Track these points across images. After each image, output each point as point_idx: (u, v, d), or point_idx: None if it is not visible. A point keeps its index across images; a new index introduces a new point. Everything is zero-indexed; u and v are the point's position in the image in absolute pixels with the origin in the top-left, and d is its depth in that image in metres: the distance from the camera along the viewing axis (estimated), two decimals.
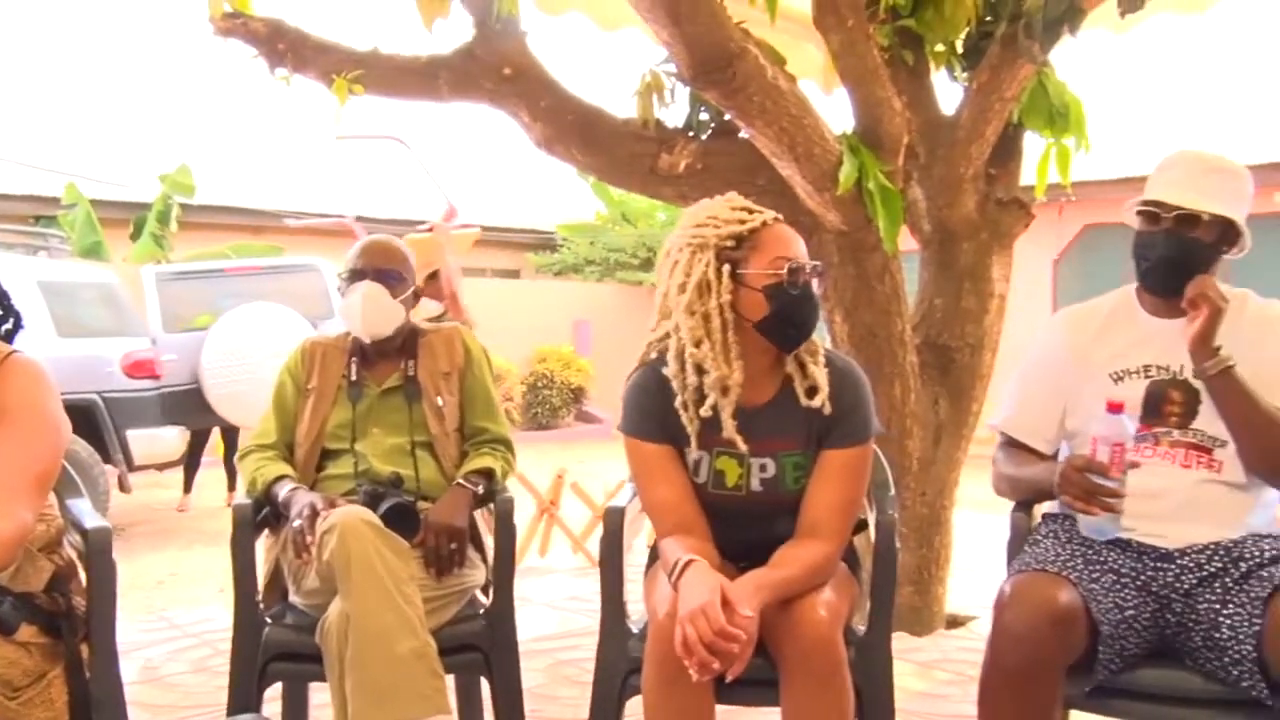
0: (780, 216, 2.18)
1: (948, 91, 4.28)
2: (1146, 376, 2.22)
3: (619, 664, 2.23)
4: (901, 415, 3.86)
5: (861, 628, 2.25)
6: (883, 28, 3.99)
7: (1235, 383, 2.08)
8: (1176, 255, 2.17)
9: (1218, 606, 1.97)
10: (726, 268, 2.09)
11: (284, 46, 3.86)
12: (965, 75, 4.17)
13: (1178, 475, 2.13)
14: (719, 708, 2.02)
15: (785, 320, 2.10)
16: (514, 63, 3.80)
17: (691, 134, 3.77)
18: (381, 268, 2.68)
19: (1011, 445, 2.36)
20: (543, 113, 3.82)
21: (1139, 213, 2.24)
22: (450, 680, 2.56)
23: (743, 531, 2.14)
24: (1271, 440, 2.08)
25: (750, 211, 2.16)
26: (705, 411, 2.11)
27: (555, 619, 4.51)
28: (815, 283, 2.15)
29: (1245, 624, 1.90)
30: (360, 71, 3.81)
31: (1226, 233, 2.20)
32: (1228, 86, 13.69)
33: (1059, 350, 2.34)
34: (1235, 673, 1.90)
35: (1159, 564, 2.05)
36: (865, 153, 3.39)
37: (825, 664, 1.95)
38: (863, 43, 3.40)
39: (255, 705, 2.42)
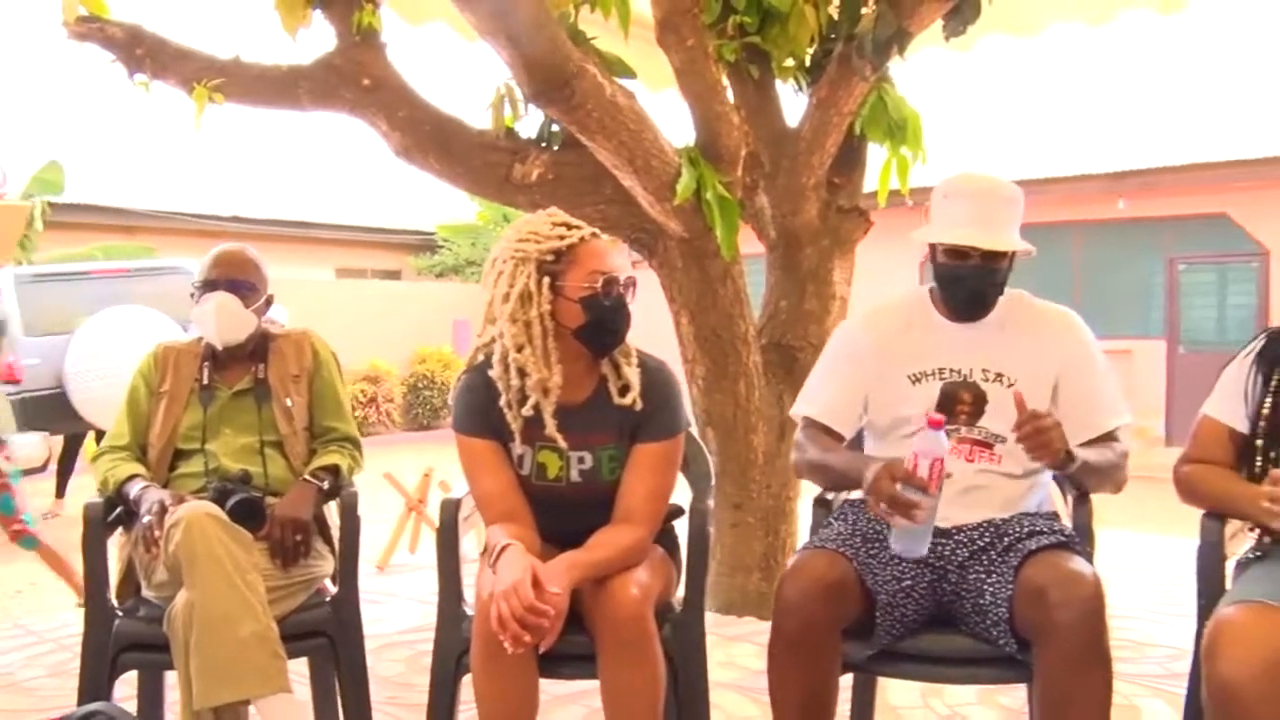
0: (598, 232, 2.35)
1: (795, 105, 4.53)
2: (941, 379, 2.40)
3: (454, 644, 2.38)
4: (746, 412, 4.09)
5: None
6: (731, 43, 4.22)
7: (1087, 465, 2.25)
8: (986, 288, 2.38)
9: (984, 576, 2.21)
10: (546, 280, 2.27)
11: (142, 52, 3.90)
12: (809, 90, 4.42)
13: (961, 466, 2.34)
14: (552, 682, 2.20)
15: (600, 328, 2.29)
16: (373, 74, 3.91)
17: (544, 145, 3.93)
18: (234, 278, 2.79)
19: (814, 429, 2.48)
20: (401, 122, 3.94)
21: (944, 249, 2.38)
22: (304, 666, 2.69)
23: (564, 519, 2.32)
24: (1112, 479, 2.33)
25: (570, 227, 2.33)
26: (528, 410, 2.29)
27: (420, 612, 4.63)
28: (630, 293, 2.32)
29: (1002, 590, 2.14)
30: (221, 80, 3.88)
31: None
32: (1067, 102, 14.41)
33: (862, 348, 2.49)
34: (994, 633, 2.14)
35: (937, 540, 2.27)
36: (704, 165, 3.60)
37: (635, 637, 2.13)
38: (702, 60, 3.60)
39: (106, 695, 2.51)
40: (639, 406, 2.31)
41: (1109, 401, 2.40)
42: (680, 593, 2.48)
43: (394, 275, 19.63)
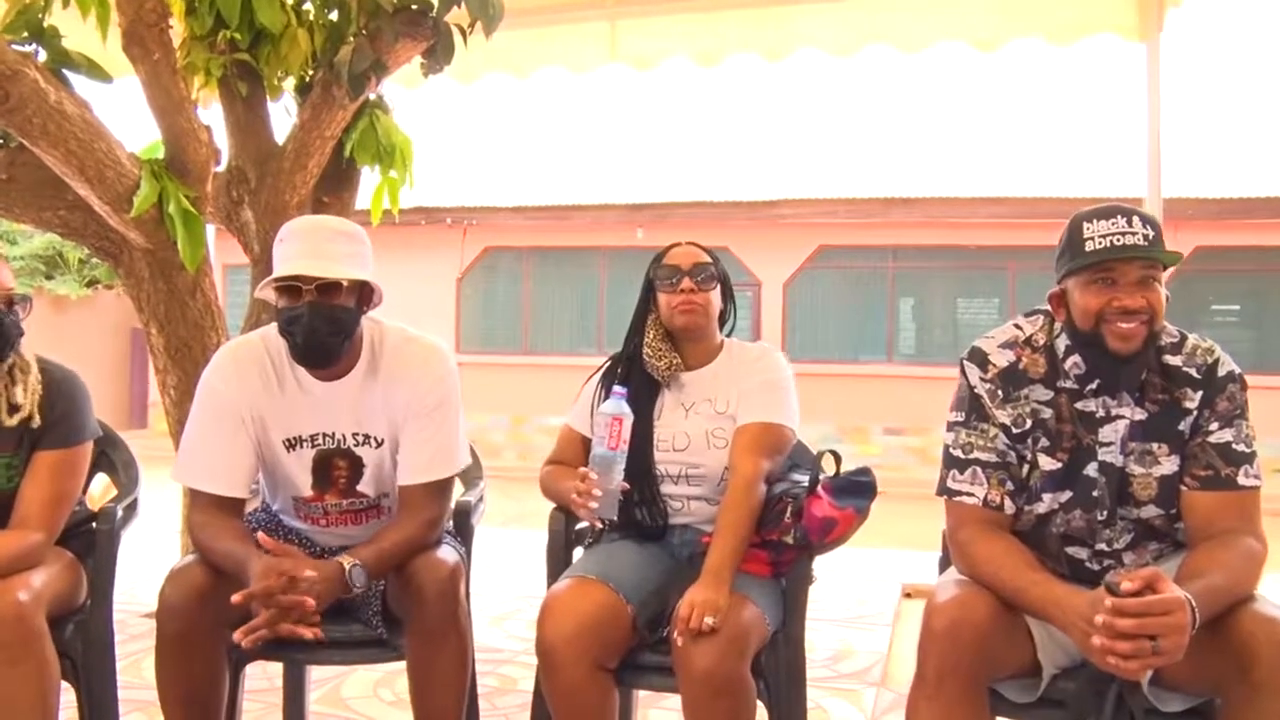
0: None
1: (287, 124, 4.65)
2: (314, 445, 2.41)
3: None
4: None
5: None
6: (220, 58, 4.27)
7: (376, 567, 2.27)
8: (324, 334, 2.27)
9: None
10: None
11: None
12: (298, 111, 4.56)
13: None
14: None
15: None
16: None
17: (2, 143, 3.78)
18: None
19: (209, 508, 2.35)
20: None
21: (280, 289, 2.29)
22: None
23: None
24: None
25: None
26: None
27: None
28: (23, 309, 2.38)
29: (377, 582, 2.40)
30: None
31: (364, 293, 2.37)
32: (588, 137, 15.61)
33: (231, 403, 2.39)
34: (373, 620, 2.41)
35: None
36: (168, 178, 3.64)
37: (17, 638, 2.18)
38: (168, 75, 3.64)
39: None
40: (36, 423, 2.37)
41: (445, 452, 2.40)
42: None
43: None
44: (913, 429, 12.47)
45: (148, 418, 15.41)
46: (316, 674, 3.35)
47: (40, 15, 3.70)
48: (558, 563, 2.53)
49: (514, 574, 5.43)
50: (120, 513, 2.54)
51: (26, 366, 2.40)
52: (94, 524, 2.59)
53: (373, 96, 4.57)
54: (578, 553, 2.60)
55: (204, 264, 3.92)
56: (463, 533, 2.58)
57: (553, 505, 2.58)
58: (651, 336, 2.56)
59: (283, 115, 4.63)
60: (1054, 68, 13.21)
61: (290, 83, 4.59)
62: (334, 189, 4.65)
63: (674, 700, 3.22)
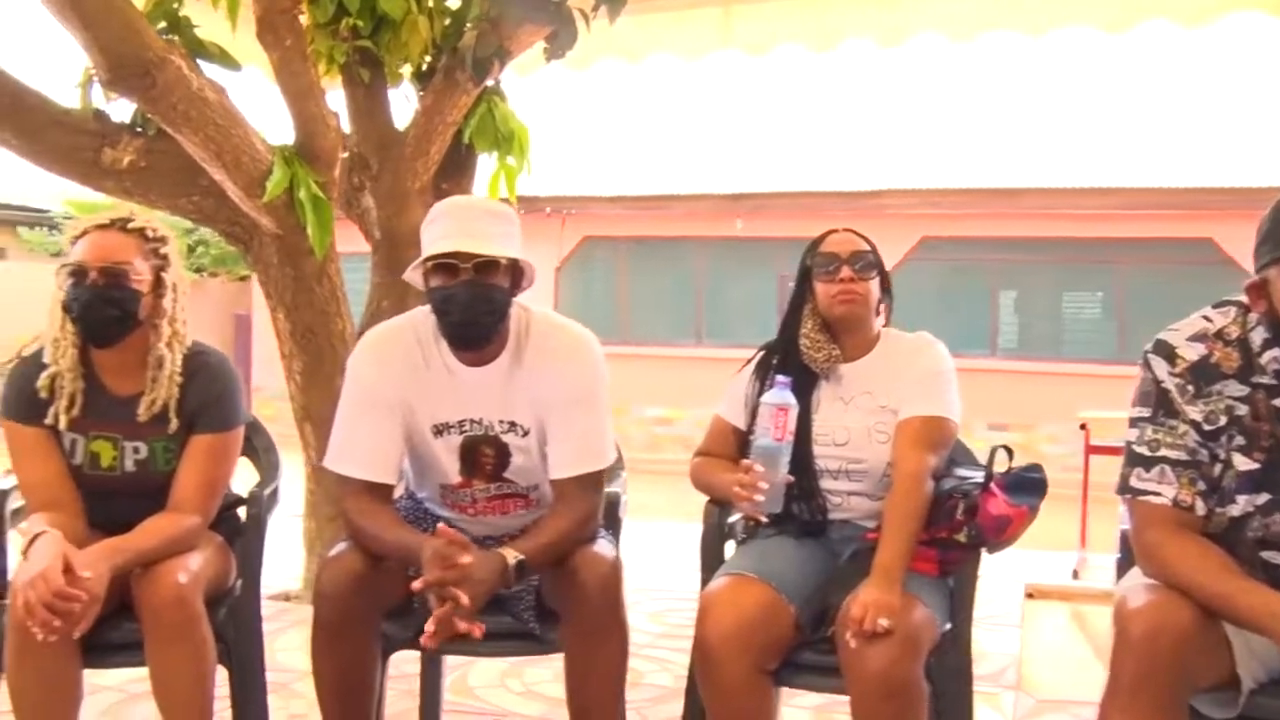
0: (114, 224, 2.37)
1: (407, 110, 4.65)
2: (462, 431, 2.36)
3: None
4: None
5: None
6: (342, 45, 4.28)
7: (535, 560, 2.20)
8: (482, 304, 2.23)
9: None
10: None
11: None
12: (419, 97, 4.56)
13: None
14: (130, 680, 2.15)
15: (78, 319, 2.32)
16: None
17: (139, 131, 3.82)
18: None
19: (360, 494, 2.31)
20: None
21: (433, 268, 2.25)
22: None
23: (119, 509, 2.33)
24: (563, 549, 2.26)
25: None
26: (66, 400, 2.31)
27: None
28: (133, 283, 2.34)
29: None
30: None
31: (515, 275, 2.33)
32: (687, 125, 15.47)
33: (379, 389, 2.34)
34: (524, 615, 2.37)
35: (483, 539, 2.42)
36: (299, 164, 3.66)
37: (178, 620, 2.18)
38: (299, 61, 3.65)
39: None
40: (173, 402, 2.36)
41: (593, 445, 2.34)
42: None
43: None
44: (1017, 425, 12.15)
45: (252, 403, 15.70)
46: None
47: (175, 5, 3.75)
48: (712, 558, 2.46)
49: (629, 565, 5.37)
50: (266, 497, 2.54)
51: (163, 357, 2.36)
52: (238, 509, 2.60)
53: (490, 83, 4.55)
54: (728, 548, 2.52)
55: (330, 250, 3.93)
56: (612, 525, 2.53)
57: (706, 499, 2.51)
58: (809, 327, 2.47)
59: (401, 102, 4.65)
60: (1175, 51, 12.73)
61: (408, 69, 4.60)
62: (452, 176, 4.64)
63: (807, 699, 3.19)
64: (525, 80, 5.61)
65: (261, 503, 2.51)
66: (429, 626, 2.06)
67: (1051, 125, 14.04)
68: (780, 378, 2.32)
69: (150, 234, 2.40)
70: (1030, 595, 4.99)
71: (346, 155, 4.30)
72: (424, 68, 4.58)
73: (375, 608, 2.24)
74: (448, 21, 4.39)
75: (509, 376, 2.34)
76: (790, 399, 2.27)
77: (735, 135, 14.79)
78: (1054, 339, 13.22)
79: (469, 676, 3.52)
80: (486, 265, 2.22)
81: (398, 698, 3.23)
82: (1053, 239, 12.69)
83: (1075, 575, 5.25)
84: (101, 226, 2.36)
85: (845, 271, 2.42)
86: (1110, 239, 12.43)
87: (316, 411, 4.16)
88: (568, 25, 4.21)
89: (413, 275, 2.32)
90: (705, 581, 2.38)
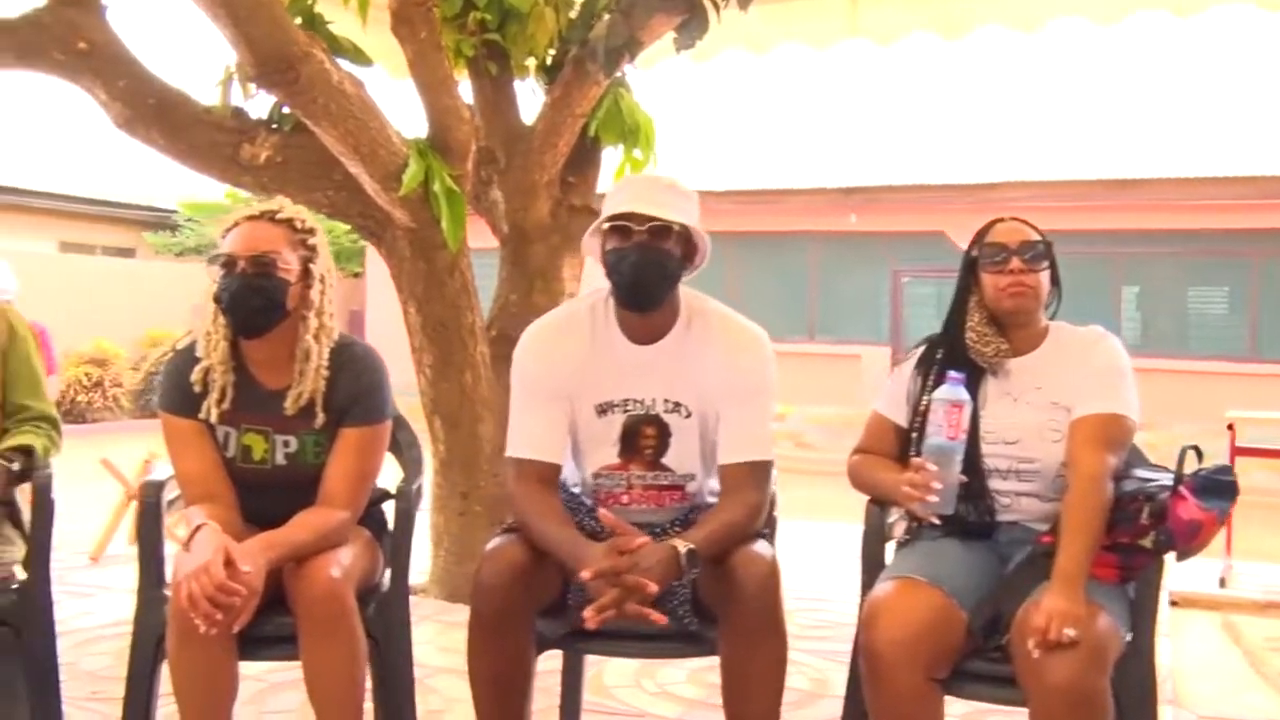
0: (262, 215, 2.36)
1: (533, 103, 4.64)
2: (625, 410, 2.35)
3: (152, 628, 2.34)
4: (473, 402, 4.15)
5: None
6: (470, 39, 4.28)
7: (706, 550, 2.15)
8: (651, 273, 2.25)
9: None
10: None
11: None
12: (545, 90, 4.53)
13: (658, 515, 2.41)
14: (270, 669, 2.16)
15: (229, 309, 2.31)
16: (90, 37, 3.73)
17: (274, 127, 3.86)
18: None
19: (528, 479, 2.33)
20: (121, 92, 3.78)
21: (610, 229, 2.29)
22: None
23: (270, 502, 2.32)
24: (736, 539, 2.21)
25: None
26: (218, 393, 2.31)
27: (132, 605, 4.46)
28: (281, 272, 2.32)
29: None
30: None
31: (688, 250, 2.34)
32: (800, 118, 15.24)
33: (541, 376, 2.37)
34: (679, 610, 2.29)
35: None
36: (433, 157, 3.65)
37: (333, 615, 2.16)
38: (434, 54, 3.64)
39: None
40: (320, 396, 2.34)
41: (761, 437, 2.33)
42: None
43: (127, 253, 18.55)
44: (1146, 424, 11.75)
45: None
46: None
47: (310, 2, 3.78)
48: (873, 560, 2.36)
49: None
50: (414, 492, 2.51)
51: (309, 349, 2.35)
52: (381, 504, 2.58)
53: (617, 75, 4.50)
54: (888, 549, 2.42)
55: (463, 243, 3.92)
56: (767, 524, 2.44)
57: (866, 498, 2.41)
58: (975, 320, 2.35)
59: (526, 95, 4.63)
60: None
61: (532, 63, 4.58)
62: (578, 169, 4.62)
63: (954, 707, 3.06)
64: (647, 74, 5.56)
65: (410, 498, 2.49)
66: (589, 611, 2.04)
67: (1180, 112, 13.52)
68: (953, 373, 2.21)
69: (299, 225, 2.39)
70: (1175, 604, 4.77)
71: (473, 150, 4.29)
72: (548, 61, 4.57)
73: (533, 603, 2.21)
74: (573, 13, 4.36)
75: (676, 356, 2.34)
76: (964, 395, 2.17)
77: (851, 127, 14.56)
78: (1179, 335, 12.75)
79: (604, 675, 3.47)
80: (660, 230, 2.25)
81: (535, 697, 3.20)
82: (1178, 231, 12.23)
83: (1222, 584, 5.00)
84: (251, 217, 2.36)
85: (1015, 263, 2.30)
86: (1242, 230, 11.93)
87: (446, 405, 4.15)
88: (699, 14, 4.13)
89: (590, 243, 2.35)
90: (866, 584, 2.29)
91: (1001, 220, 2.39)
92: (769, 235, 13.81)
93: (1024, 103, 14.40)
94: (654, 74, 5.58)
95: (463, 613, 4.12)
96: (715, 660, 2.27)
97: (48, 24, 3.69)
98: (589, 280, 4.60)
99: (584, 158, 4.61)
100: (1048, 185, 12.16)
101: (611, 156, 4.74)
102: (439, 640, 3.84)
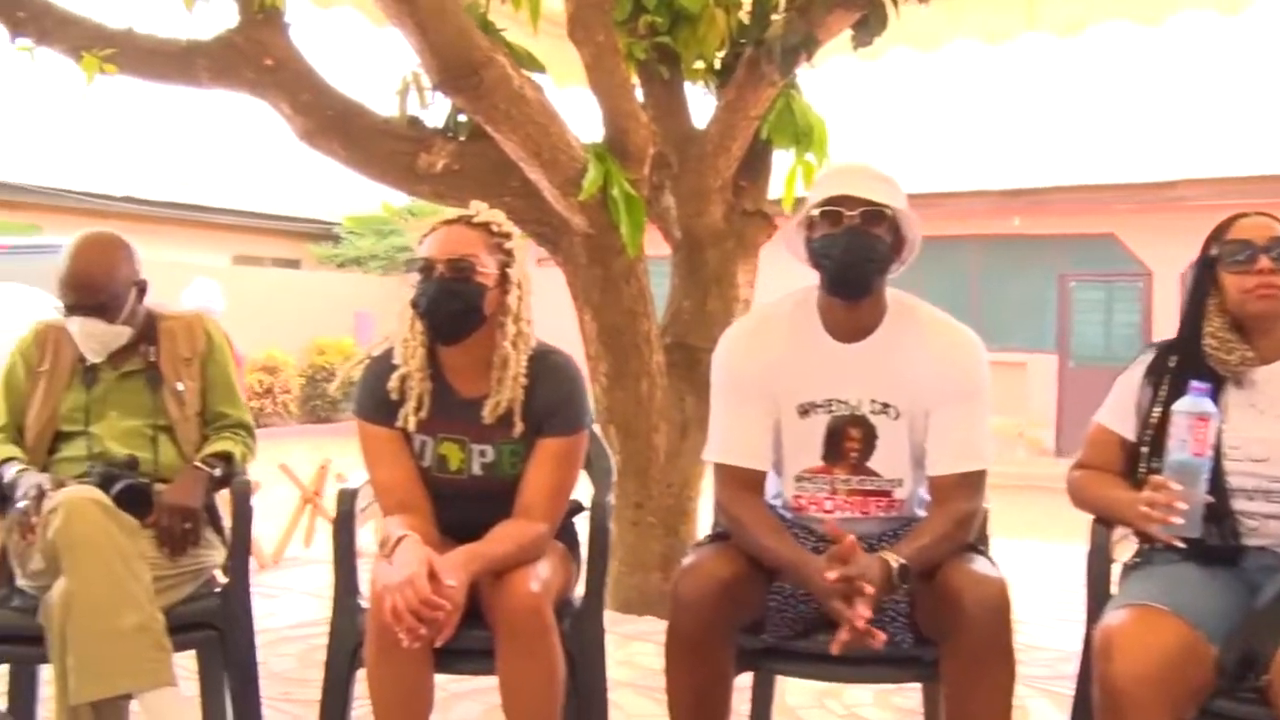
0: (458, 219, 2.34)
1: (703, 106, 4.56)
2: (829, 411, 2.26)
3: (349, 637, 2.33)
4: (648, 411, 4.09)
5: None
6: (641, 43, 4.23)
7: (918, 562, 2.08)
8: (861, 258, 2.17)
9: None
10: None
11: (25, 15, 3.72)
12: (717, 92, 4.45)
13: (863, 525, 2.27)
14: (449, 678, 2.14)
15: (425, 316, 2.26)
16: (276, 54, 3.81)
17: (450, 135, 3.88)
18: (87, 304, 2.61)
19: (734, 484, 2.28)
20: (304, 106, 3.85)
21: (820, 216, 2.20)
22: (192, 660, 2.61)
23: (464, 512, 2.28)
24: (948, 549, 2.15)
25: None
26: (415, 401, 2.28)
27: (315, 606, 4.55)
28: (470, 275, 2.27)
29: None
30: (112, 50, 3.74)
31: (897, 241, 2.25)
32: (965, 118, 14.75)
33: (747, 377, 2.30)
34: (891, 630, 2.15)
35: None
36: (611, 161, 3.60)
37: (534, 631, 2.11)
38: (611, 57, 3.59)
39: None
40: (518, 405, 2.28)
41: (975, 444, 2.23)
42: (581, 589, 2.47)
43: (293, 264, 19.26)
44: None
45: None
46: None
47: (483, 10, 3.78)
48: (1100, 583, 2.19)
49: None
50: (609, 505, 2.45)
51: (507, 357, 2.29)
52: (574, 517, 2.52)
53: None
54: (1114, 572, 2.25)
55: (640, 249, 3.86)
56: (980, 540, 2.30)
57: (1090, 517, 2.24)
58: (1216, 325, 2.17)
59: (697, 98, 4.56)
60: None
61: (700, 65, 4.50)
62: (750, 173, 4.51)
63: None
64: (813, 74, 5.41)
65: (605, 511, 2.43)
66: (842, 634, 1.96)
67: None
68: (1196, 383, 2.03)
69: (496, 228, 2.36)
70: None
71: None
72: (718, 63, 4.48)
73: (735, 619, 2.13)
74: (743, 14, 4.27)
75: (885, 355, 2.24)
76: (1210, 407, 1.98)
77: (1017, 127, 14.05)
78: None
79: (786, 695, 3.34)
80: (872, 215, 2.17)
81: None
82: None
83: None
84: (448, 222, 2.33)
85: (1263, 261, 2.11)
86: None
87: (621, 414, 4.10)
88: (878, 10, 3.99)
89: (794, 240, 2.26)
90: (1093, 611, 2.14)
91: (1245, 215, 2.21)
92: (928, 240, 13.40)
93: (1213, 93, 13.60)
94: (819, 74, 5.45)
95: (637, 624, 4.12)
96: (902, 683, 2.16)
97: (239, 44, 3.78)
98: (763, 288, 4.50)
99: (756, 161, 4.50)
100: (1231, 181, 11.48)
101: (782, 160, 4.63)
102: (614, 653, 3.77)
